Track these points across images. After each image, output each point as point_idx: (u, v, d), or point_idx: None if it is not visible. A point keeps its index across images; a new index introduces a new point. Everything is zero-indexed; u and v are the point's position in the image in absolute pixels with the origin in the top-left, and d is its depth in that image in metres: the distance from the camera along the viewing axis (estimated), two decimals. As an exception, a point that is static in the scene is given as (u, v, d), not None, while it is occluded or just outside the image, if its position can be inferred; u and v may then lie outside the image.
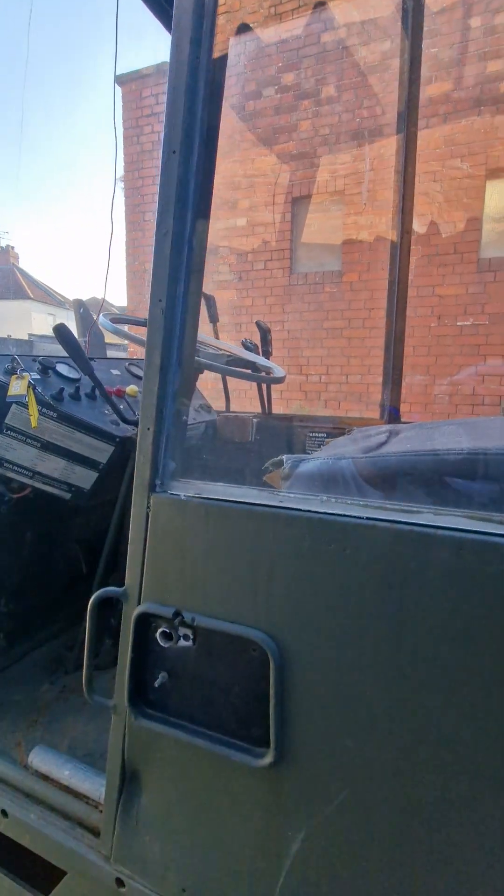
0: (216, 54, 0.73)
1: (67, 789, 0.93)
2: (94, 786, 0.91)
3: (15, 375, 1.13)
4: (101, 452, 1.22)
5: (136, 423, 1.26)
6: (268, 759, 0.65)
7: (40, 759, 0.99)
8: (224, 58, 0.76)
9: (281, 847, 0.66)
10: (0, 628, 1.32)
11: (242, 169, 5.88)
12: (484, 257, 4.99)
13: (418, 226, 5.01)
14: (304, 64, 5.44)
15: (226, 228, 6.06)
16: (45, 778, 0.97)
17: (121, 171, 6.56)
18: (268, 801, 0.67)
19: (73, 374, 1.29)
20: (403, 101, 1.59)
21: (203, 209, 0.74)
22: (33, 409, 1.10)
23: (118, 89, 6.43)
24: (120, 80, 6.31)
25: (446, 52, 4.82)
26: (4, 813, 0.92)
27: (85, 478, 1.23)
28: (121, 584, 0.77)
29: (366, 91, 5.20)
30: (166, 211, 0.70)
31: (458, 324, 5.13)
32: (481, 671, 0.55)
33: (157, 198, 0.71)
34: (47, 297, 28.54)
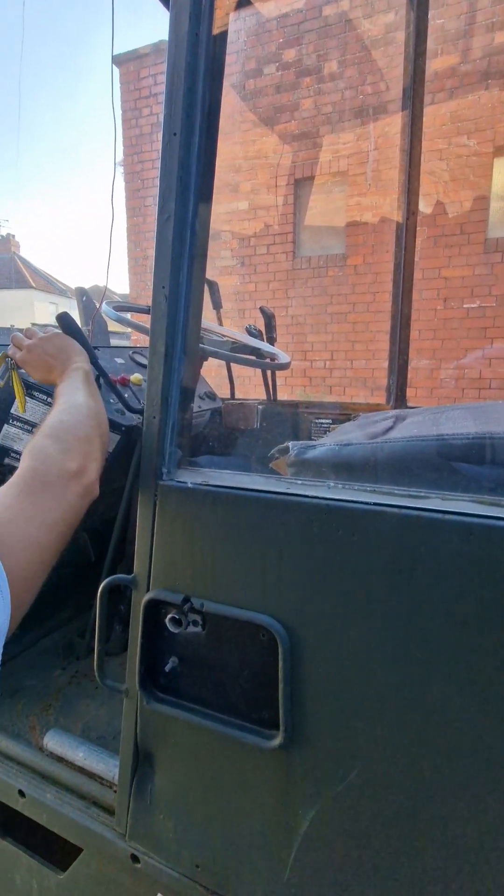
0: (216, 30, 0.71)
1: (82, 770, 0.95)
2: (108, 767, 0.93)
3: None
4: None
5: (141, 412, 1.26)
6: (277, 740, 0.66)
7: (55, 742, 1.01)
8: (224, 34, 0.74)
9: (291, 825, 0.67)
10: None
11: (243, 150, 5.76)
12: (491, 237, 4.89)
13: (423, 206, 4.91)
14: (305, 39, 5.29)
15: (227, 212, 5.96)
16: (59, 759, 0.99)
17: (120, 156, 6.44)
18: (278, 781, 0.68)
19: None
20: (409, 76, 1.54)
21: (206, 192, 0.73)
22: (19, 393, 1.06)
23: (115, 70, 6.29)
24: (117, 60, 6.17)
25: (452, 23, 4.66)
26: (22, 793, 0.95)
27: None
28: (128, 571, 0.78)
29: (369, 66, 5.06)
30: (168, 195, 0.69)
31: (465, 306, 5.06)
32: (489, 655, 0.55)
33: (157, 182, 0.70)
34: (49, 285, 28.35)
